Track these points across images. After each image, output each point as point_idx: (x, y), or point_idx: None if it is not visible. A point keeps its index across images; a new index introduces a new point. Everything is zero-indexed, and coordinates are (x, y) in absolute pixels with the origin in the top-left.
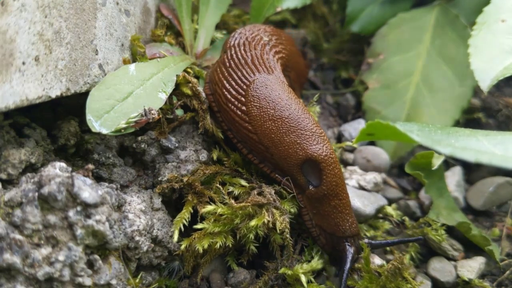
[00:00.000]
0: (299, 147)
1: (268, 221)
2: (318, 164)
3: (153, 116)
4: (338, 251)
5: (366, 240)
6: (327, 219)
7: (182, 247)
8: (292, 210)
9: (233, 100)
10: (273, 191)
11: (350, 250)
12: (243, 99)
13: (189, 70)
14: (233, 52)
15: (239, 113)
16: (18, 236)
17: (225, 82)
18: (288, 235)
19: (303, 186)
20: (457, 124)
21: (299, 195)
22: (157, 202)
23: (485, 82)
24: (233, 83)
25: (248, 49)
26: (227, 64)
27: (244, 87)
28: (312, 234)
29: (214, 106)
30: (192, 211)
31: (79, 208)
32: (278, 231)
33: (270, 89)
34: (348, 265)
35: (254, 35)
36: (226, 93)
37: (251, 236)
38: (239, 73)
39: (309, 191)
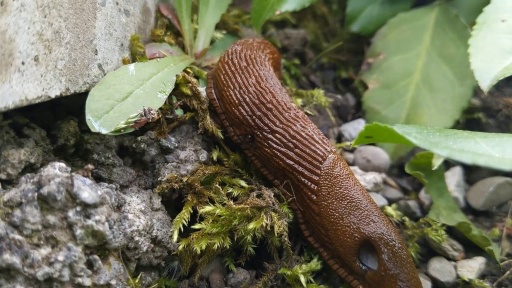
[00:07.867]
0: (355, 227)
1: (266, 224)
2: (372, 243)
3: (153, 116)
4: None
5: None
6: None
7: (180, 247)
8: (291, 215)
9: (306, 181)
10: (272, 194)
11: None
12: (316, 178)
13: (188, 70)
14: (291, 132)
15: (309, 193)
16: (18, 236)
17: (296, 166)
18: (286, 239)
19: (359, 273)
20: (457, 124)
21: (356, 281)
22: (157, 202)
23: (485, 82)
24: (308, 164)
25: (303, 123)
26: (292, 145)
27: (318, 164)
28: None
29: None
30: (191, 211)
31: (78, 208)
32: (276, 234)
33: (343, 166)
34: None
35: (271, 93)
36: (299, 176)
37: (249, 238)
38: (310, 152)
39: (368, 275)
